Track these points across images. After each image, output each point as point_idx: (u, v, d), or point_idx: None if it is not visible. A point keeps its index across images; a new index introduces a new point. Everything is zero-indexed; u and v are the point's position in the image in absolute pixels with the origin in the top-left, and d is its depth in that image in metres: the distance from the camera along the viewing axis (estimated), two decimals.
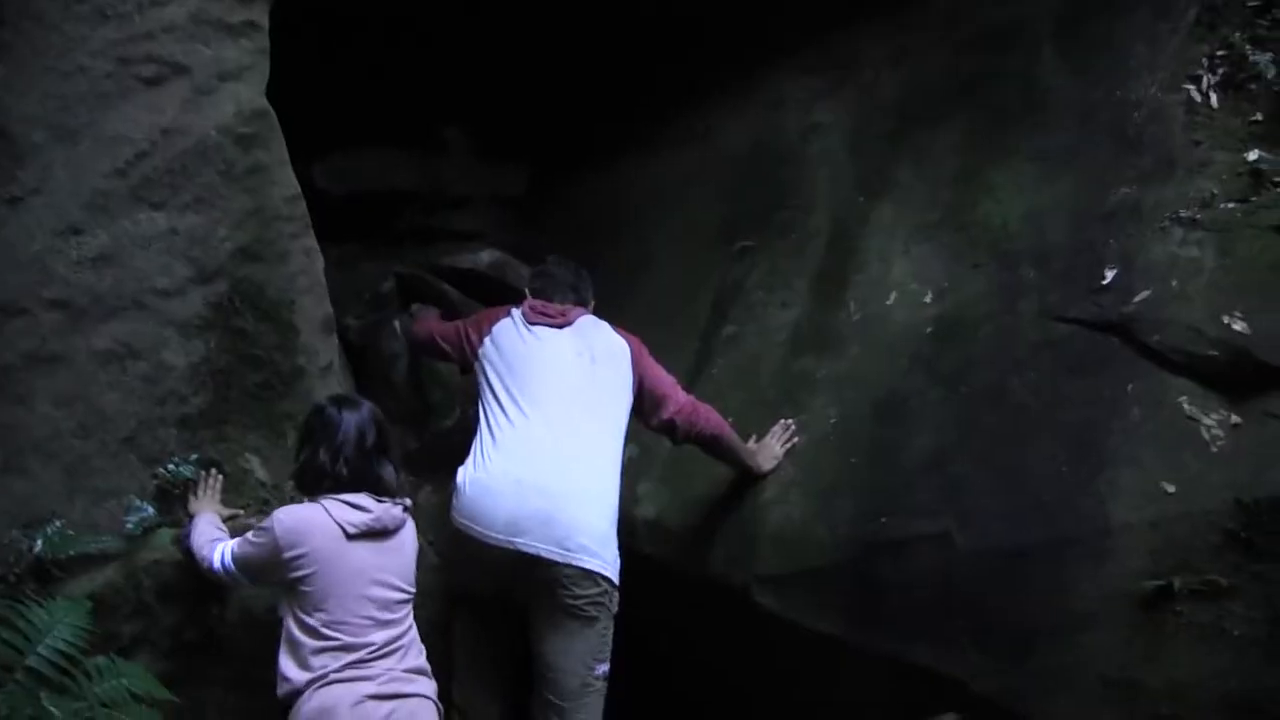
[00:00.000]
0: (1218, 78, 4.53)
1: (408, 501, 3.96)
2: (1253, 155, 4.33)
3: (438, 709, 3.84)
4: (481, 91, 5.91)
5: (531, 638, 4.40)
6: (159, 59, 4.02)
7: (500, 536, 4.24)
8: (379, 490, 3.84)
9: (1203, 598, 3.83)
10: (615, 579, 4.35)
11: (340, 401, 3.95)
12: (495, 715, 4.54)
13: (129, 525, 3.87)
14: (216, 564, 3.78)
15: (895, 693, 4.19)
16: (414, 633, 3.86)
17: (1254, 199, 4.27)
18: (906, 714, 4.16)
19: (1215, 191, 4.33)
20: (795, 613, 4.45)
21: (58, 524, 3.78)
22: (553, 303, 4.72)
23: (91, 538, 3.81)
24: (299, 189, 4.33)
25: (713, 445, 4.68)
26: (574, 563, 4.26)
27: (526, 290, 4.87)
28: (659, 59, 6.15)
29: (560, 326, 4.65)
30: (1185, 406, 4.02)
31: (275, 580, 3.76)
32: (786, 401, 4.87)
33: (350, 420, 3.84)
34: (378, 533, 3.79)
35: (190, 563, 3.87)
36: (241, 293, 4.11)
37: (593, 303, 4.87)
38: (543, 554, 4.23)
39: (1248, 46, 4.52)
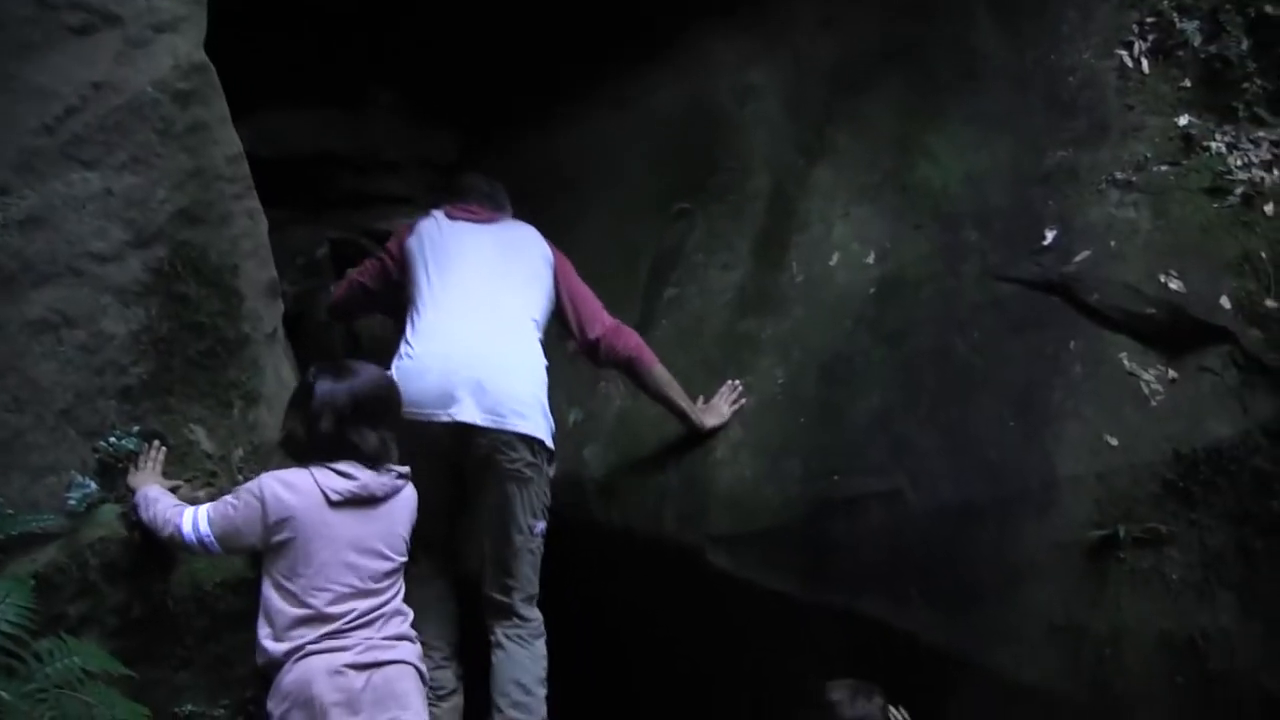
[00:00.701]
0: (1148, 44, 4.69)
1: (404, 469, 3.87)
2: (1183, 120, 4.51)
3: (420, 674, 3.79)
4: (413, 54, 5.75)
5: (474, 511, 4.57)
6: (87, 6, 3.78)
7: (435, 410, 4.35)
8: (360, 458, 3.74)
9: (1144, 545, 4.01)
10: (549, 442, 4.49)
11: (327, 369, 3.86)
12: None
13: (71, 502, 3.66)
14: (187, 531, 3.65)
15: (847, 649, 4.24)
16: (398, 601, 3.80)
17: (1184, 162, 4.46)
18: (860, 671, 4.29)
19: (1148, 155, 4.50)
20: (748, 571, 4.53)
21: None
22: (471, 204, 4.82)
23: (32, 516, 3.59)
24: (241, 148, 4.12)
25: (633, 368, 4.77)
26: (507, 428, 4.38)
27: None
28: (589, 20, 6.03)
29: (482, 222, 4.77)
30: (1125, 363, 4.20)
31: (253, 545, 3.68)
32: (731, 363, 4.91)
33: (331, 388, 3.76)
34: (364, 500, 3.72)
35: (143, 536, 3.70)
36: (182, 257, 3.90)
37: (509, 211, 4.94)
38: (478, 422, 4.35)
39: (1175, 14, 4.69)
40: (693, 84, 5.85)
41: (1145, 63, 4.65)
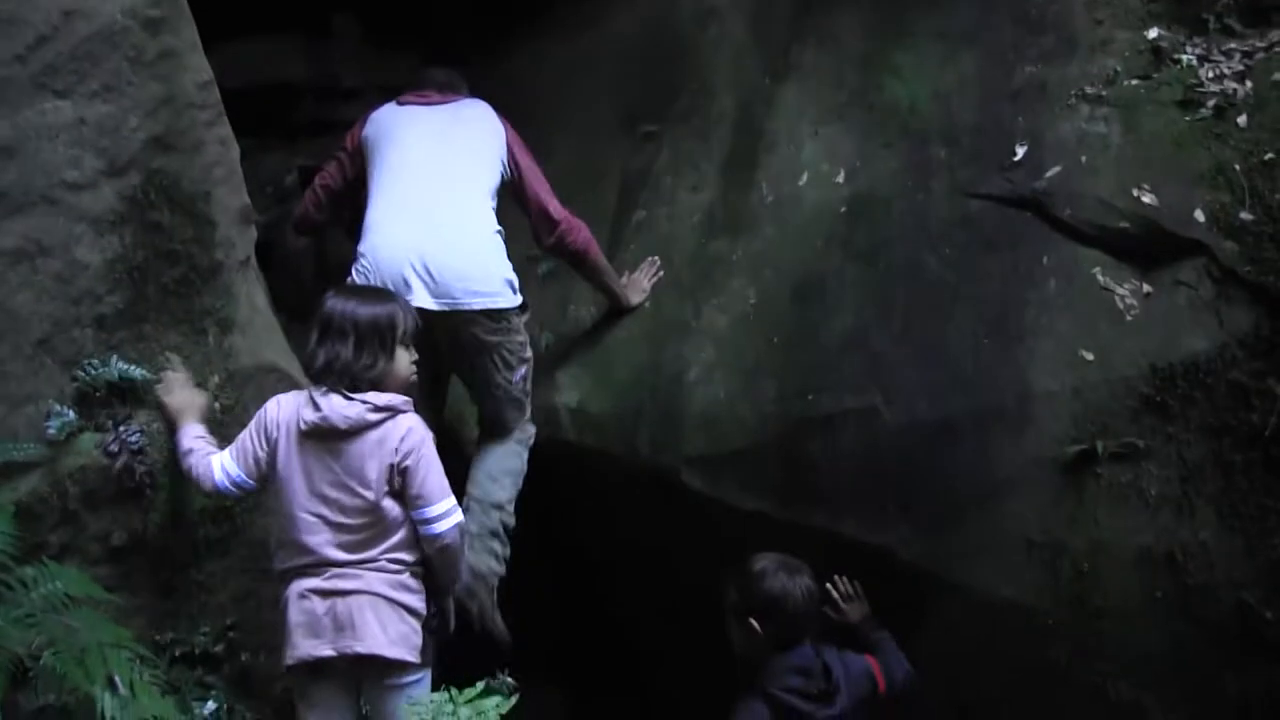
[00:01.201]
0: None
1: (388, 401, 3.80)
2: (1152, 33, 4.61)
3: (392, 602, 3.78)
4: None
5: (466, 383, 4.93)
6: None
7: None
8: (351, 385, 3.76)
9: (1121, 460, 4.16)
10: (510, 304, 4.68)
11: (343, 292, 3.97)
12: None
13: (50, 431, 3.74)
14: (220, 480, 3.79)
15: (825, 566, 4.32)
16: (379, 541, 3.79)
17: (1155, 75, 4.54)
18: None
19: (1118, 69, 4.59)
20: (725, 492, 4.66)
21: None
22: (428, 90, 5.00)
23: (12, 445, 3.69)
24: (212, 75, 4.17)
25: (584, 260, 5.00)
26: (461, 308, 4.59)
27: None
28: None
29: (432, 105, 4.94)
30: (1099, 277, 4.31)
31: (266, 469, 3.80)
32: (703, 283, 5.01)
33: (341, 310, 3.81)
34: (325, 432, 3.73)
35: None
36: (155, 185, 3.95)
37: (467, 93, 5.12)
38: (432, 307, 4.51)
39: None
40: (651, 6, 5.91)
41: None
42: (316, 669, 3.77)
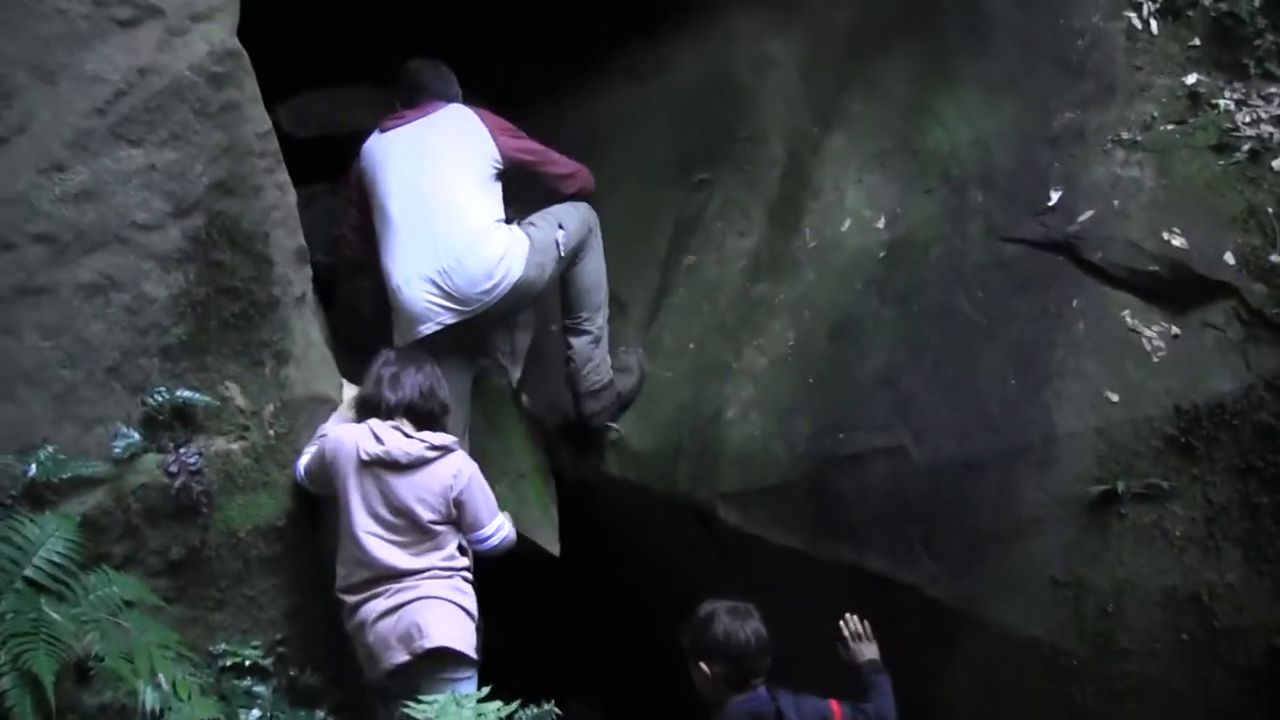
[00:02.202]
0: (1157, 5, 5.05)
1: (441, 441, 4.52)
2: (1191, 79, 4.84)
3: (450, 603, 4.41)
4: (440, 32, 6.26)
5: None
6: (133, 1, 4.34)
7: (424, 327, 5.18)
8: (416, 421, 4.51)
9: (1145, 500, 4.38)
10: (521, 272, 5.26)
11: (398, 350, 4.82)
12: None
13: (116, 450, 4.23)
14: (298, 473, 4.64)
15: (853, 599, 4.61)
16: (434, 554, 4.45)
17: (1191, 120, 4.78)
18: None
19: (1155, 114, 4.83)
20: (758, 527, 5.01)
21: (49, 449, 4.13)
22: (412, 108, 5.51)
23: (82, 462, 4.17)
24: (271, 125, 4.69)
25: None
26: (484, 308, 5.22)
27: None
28: None
29: (409, 122, 5.47)
30: (1128, 319, 4.53)
31: (327, 488, 4.50)
32: (745, 325, 5.40)
33: (400, 359, 4.66)
34: (389, 464, 4.42)
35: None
36: (218, 226, 4.47)
37: (452, 94, 5.63)
38: (459, 320, 5.19)
39: None
40: (711, 55, 6.30)
41: (1154, 23, 4.99)
42: (393, 675, 4.38)
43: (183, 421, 4.44)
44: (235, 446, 4.51)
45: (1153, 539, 4.32)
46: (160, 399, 4.37)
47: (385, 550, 4.40)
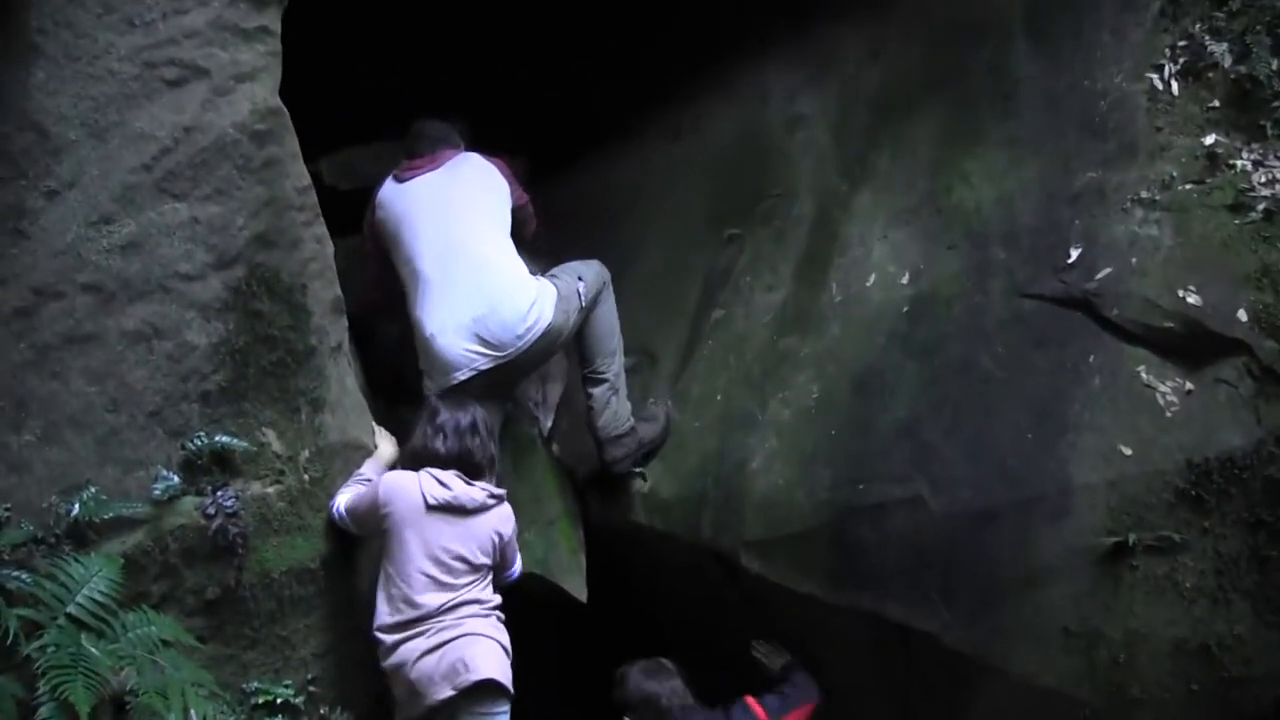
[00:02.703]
0: (1178, 67, 5.13)
1: (498, 490, 4.97)
2: (1209, 139, 4.94)
3: (490, 639, 4.76)
4: (480, 92, 6.54)
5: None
6: (181, 62, 4.67)
7: (459, 374, 5.53)
8: (469, 472, 4.89)
9: (1156, 552, 4.46)
10: (552, 318, 5.63)
11: (444, 398, 5.15)
12: None
13: (156, 492, 4.54)
14: (334, 510, 4.99)
15: (872, 646, 4.87)
16: (474, 593, 4.82)
17: (1209, 180, 4.88)
18: (882, 668, 4.83)
19: (1174, 174, 4.94)
20: (779, 574, 5.21)
21: (92, 490, 4.45)
22: (421, 156, 5.86)
23: (123, 503, 4.48)
24: (310, 180, 5.00)
25: None
26: (521, 349, 5.59)
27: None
28: (648, 56, 6.90)
29: (428, 170, 5.83)
30: (1143, 375, 4.64)
31: (373, 529, 4.83)
32: (771, 378, 5.63)
33: (450, 412, 5.01)
34: (455, 509, 4.82)
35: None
36: (258, 277, 4.78)
37: (460, 144, 5.97)
38: (497, 365, 5.55)
39: (1206, 37, 5.11)
40: (745, 114, 6.58)
41: (1175, 84, 5.12)
42: (435, 711, 4.71)
43: (221, 465, 4.74)
44: (271, 490, 4.81)
45: (1164, 590, 4.43)
46: (199, 443, 4.67)
47: (434, 591, 4.78)
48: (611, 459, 5.79)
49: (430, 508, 4.80)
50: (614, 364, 5.87)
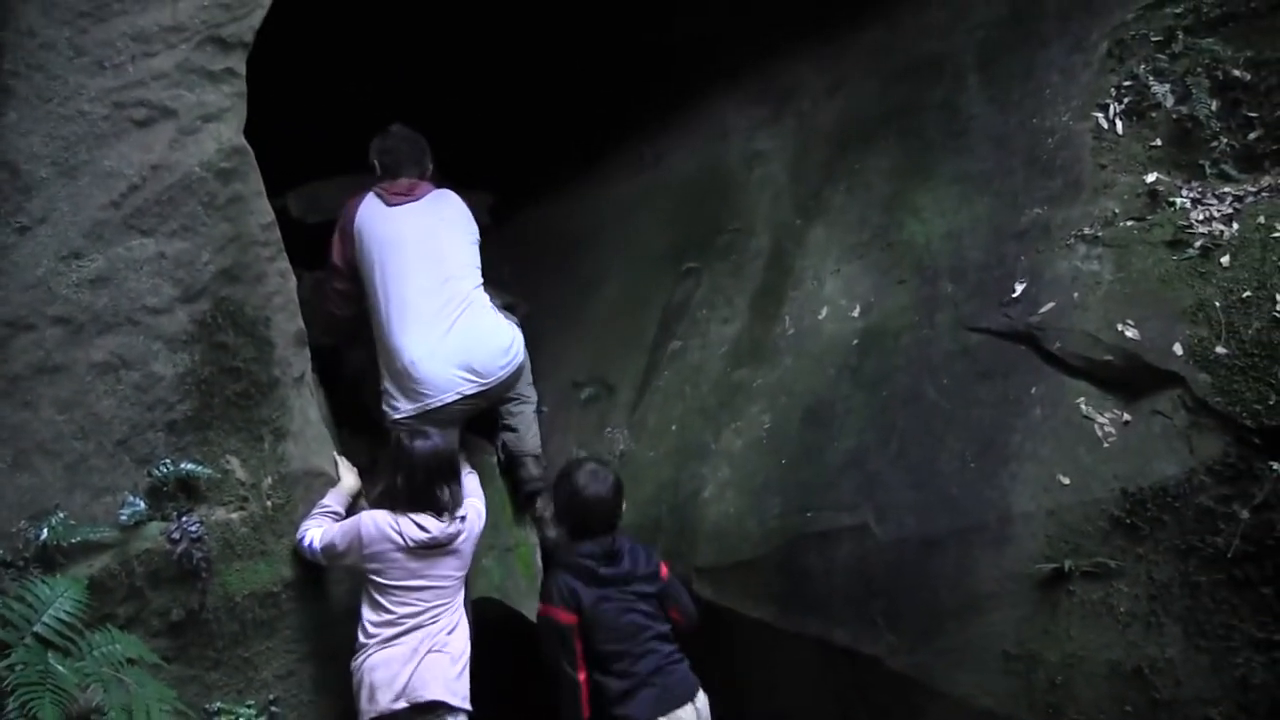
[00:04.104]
0: (1123, 106, 5.56)
1: (463, 514, 5.47)
2: (1151, 177, 5.35)
3: (455, 661, 5.25)
4: (446, 127, 6.88)
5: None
6: (149, 103, 5.09)
7: (445, 396, 6.08)
8: (439, 510, 5.30)
9: (1093, 578, 4.80)
10: (522, 351, 6.38)
11: (414, 435, 5.44)
12: None
13: (123, 518, 4.93)
14: (304, 544, 5.38)
15: (821, 671, 5.26)
16: (449, 607, 5.33)
17: (1149, 217, 5.26)
18: (830, 691, 5.20)
19: (1116, 210, 5.33)
20: (730, 600, 5.64)
21: (60, 515, 4.82)
22: (400, 180, 6.28)
23: (91, 528, 4.86)
24: (274, 217, 5.41)
25: None
26: (496, 381, 6.21)
27: (375, 163, 6.38)
28: (612, 89, 7.33)
29: (414, 199, 6.40)
30: (1082, 406, 5.01)
31: (351, 564, 5.26)
32: (725, 408, 6.05)
33: (424, 455, 5.35)
34: (434, 546, 5.26)
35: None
36: (223, 310, 5.19)
37: (430, 168, 6.43)
38: (477, 390, 6.14)
39: (1150, 78, 5.53)
40: (705, 150, 7.03)
41: (1120, 124, 5.54)
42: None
43: (186, 492, 5.14)
44: (235, 516, 5.22)
45: (1099, 615, 4.76)
46: (165, 470, 5.08)
47: (421, 615, 5.24)
48: (529, 478, 6.40)
49: (412, 549, 5.22)
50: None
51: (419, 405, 5.92)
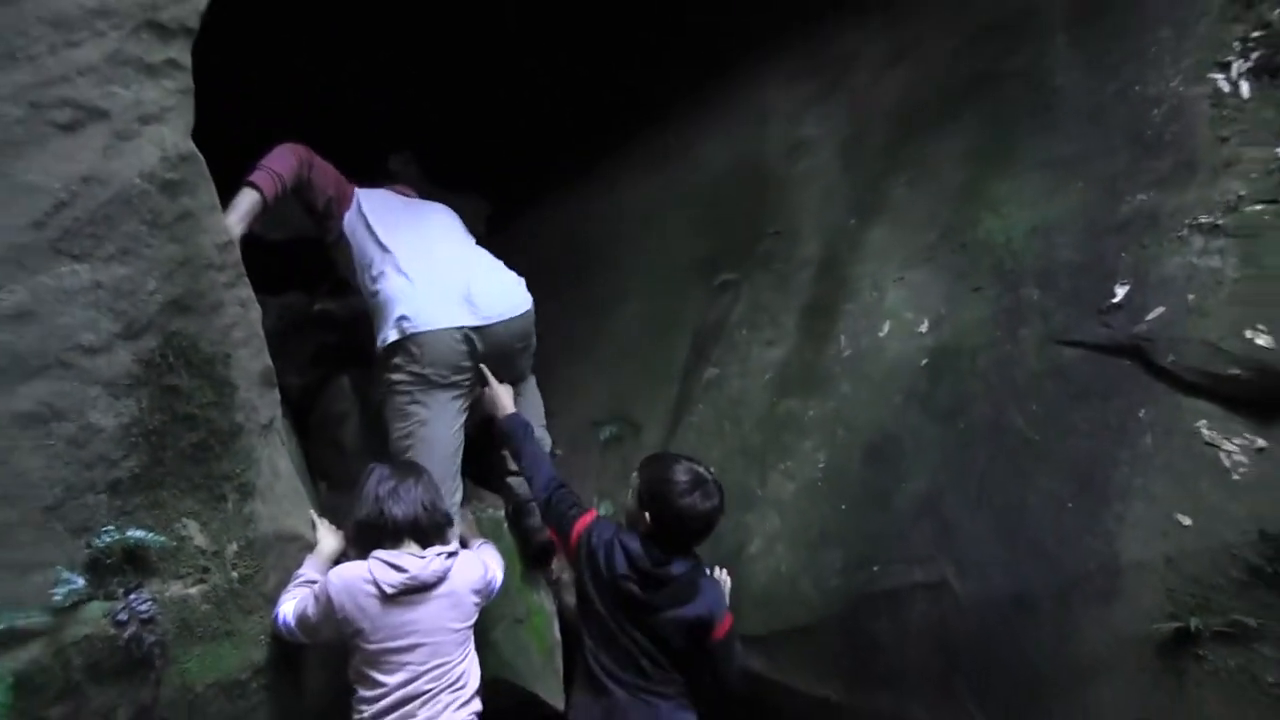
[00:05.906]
0: (1251, 63, 4.99)
1: (453, 547, 4.94)
2: None
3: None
4: (436, 120, 6.53)
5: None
6: (75, 103, 4.57)
7: (461, 323, 5.79)
8: (427, 536, 4.87)
9: (1228, 640, 4.31)
10: (530, 301, 6.16)
11: (386, 464, 5.07)
12: None
13: (57, 598, 4.45)
14: (279, 622, 4.92)
15: None
16: (465, 664, 4.89)
17: None
18: None
19: (1242, 193, 4.81)
20: (785, 674, 5.19)
21: None
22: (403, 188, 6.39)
23: (16, 612, 4.39)
24: (231, 236, 4.93)
25: None
26: (510, 317, 5.92)
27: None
28: (629, 66, 6.89)
29: (407, 197, 6.54)
30: (1204, 431, 4.53)
31: (332, 637, 4.76)
32: (771, 447, 5.61)
33: (397, 477, 4.95)
34: (416, 589, 4.76)
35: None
36: (173, 347, 4.69)
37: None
38: (485, 326, 5.83)
39: None
40: (740, 138, 6.59)
41: (1246, 86, 4.98)
42: None
43: (134, 564, 4.63)
44: (194, 591, 4.70)
45: (1240, 686, 4.27)
46: (108, 539, 4.57)
47: (422, 681, 4.74)
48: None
49: (389, 598, 4.74)
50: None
51: (417, 325, 5.62)
